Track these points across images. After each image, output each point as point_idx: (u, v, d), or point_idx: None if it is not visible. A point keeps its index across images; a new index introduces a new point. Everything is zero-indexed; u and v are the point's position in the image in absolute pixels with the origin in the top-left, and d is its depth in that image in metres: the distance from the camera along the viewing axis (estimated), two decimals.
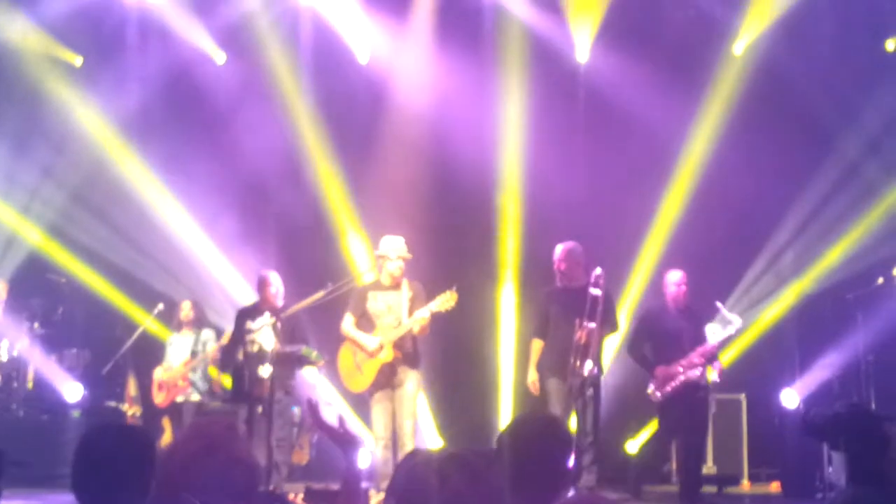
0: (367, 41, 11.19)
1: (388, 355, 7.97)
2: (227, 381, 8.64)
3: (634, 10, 10.73)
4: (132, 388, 10.34)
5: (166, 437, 9.42)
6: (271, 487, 7.77)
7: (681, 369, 8.21)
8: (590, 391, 7.90)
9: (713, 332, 8.46)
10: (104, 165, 11.06)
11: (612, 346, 9.52)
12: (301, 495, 7.87)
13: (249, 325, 8.30)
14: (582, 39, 10.91)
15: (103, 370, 10.28)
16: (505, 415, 10.23)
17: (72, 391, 10.25)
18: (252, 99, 11.09)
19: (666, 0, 10.77)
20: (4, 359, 10.29)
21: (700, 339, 8.30)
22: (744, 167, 10.32)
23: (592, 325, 7.83)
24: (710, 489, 9.28)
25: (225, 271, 10.90)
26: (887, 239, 9.78)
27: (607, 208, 10.32)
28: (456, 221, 10.66)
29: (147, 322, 10.30)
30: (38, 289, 10.76)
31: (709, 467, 9.64)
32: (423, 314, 7.89)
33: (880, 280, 9.07)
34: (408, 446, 7.90)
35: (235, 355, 8.40)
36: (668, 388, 8.22)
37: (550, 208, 10.30)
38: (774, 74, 10.35)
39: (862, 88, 10.13)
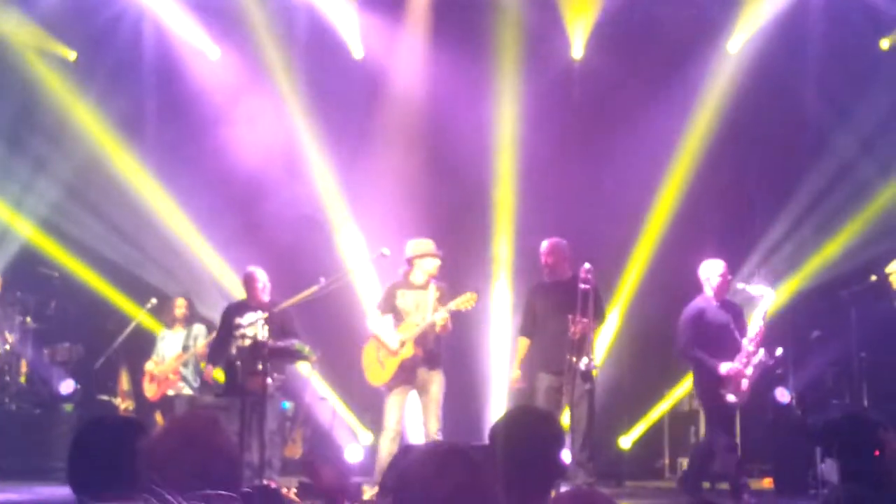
0: (362, 36, 11.18)
1: (408, 351, 8.04)
2: (219, 375, 8.63)
3: (629, 6, 10.74)
4: (124, 382, 10.34)
5: None
6: (264, 481, 7.77)
7: (744, 360, 7.88)
8: (586, 386, 7.90)
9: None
10: (98, 160, 11.04)
11: (604, 341, 9.57)
12: (294, 489, 7.86)
13: (238, 320, 8.31)
14: (577, 36, 10.92)
15: (96, 364, 10.27)
16: (497, 410, 10.24)
17: (64, 385, 10.24)
18: (246, 94, 11.08)
19: None
20: None
21: (744, 326, 8.05)
22: (737, 165, 10.37)
23: (585, 320, 7.86)
24: (706, 485, 9.31)
25: (218, 266, 10.90)
26: (881, 236, 9.82)
27: (602, 204, 10.35)
28: (450, 217, 10.66)
29: (140, 317, 10.28)
30: (30, 283, 10.74)
31: None
32: (442, 314, 7.95)
33: (873, 277, 9.09)
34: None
35: (223, 351, 8.41)
36: (746, 388, 7.89)
37: (545, 204, 10.32)
38: (768, 72, 10.38)
39: (856, 87, 10.16)
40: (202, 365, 9.89)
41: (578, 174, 10.56)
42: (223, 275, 10.86)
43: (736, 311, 8.14)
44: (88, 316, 10.98)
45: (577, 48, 10.94)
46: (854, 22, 10.33)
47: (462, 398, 10.29)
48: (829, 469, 7.43)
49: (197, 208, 10.86)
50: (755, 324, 7.93)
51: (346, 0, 11.03)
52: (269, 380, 7.96)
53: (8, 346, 10.28)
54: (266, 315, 7.86)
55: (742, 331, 8.00)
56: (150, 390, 9.66)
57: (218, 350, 8.59)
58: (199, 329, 9.79)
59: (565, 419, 7.92)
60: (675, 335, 8.12)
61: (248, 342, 8.10)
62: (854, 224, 10.04)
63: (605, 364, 9.44)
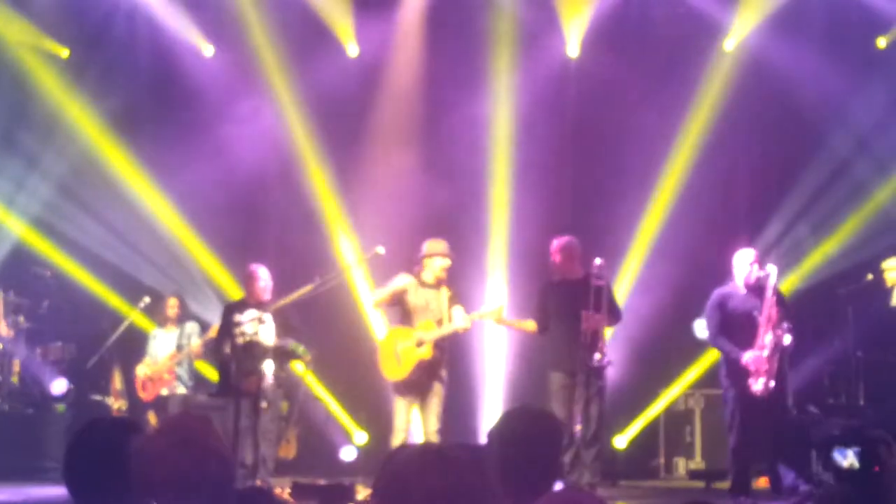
0: (357, 34, 11.15)
1: (427, 352, 8.02)
2: (212, 373, 8.64)
3: (625, 5, 10.73)
4: (118, 381, 10.29)
5: None
6: (258, 482, 7.74)
7: (763, 346, 7.74)
8: (599, 383, 7.89)
9: None
10: (91, 158, 11.00)
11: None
12: (288, 490, 7.84)
13: (238, 318, 8.26)
14: (573, 34, 10.90)
15: (88, 364, 10.24)
16: (494, 409, 10.21)
17: (57, 385, 10.20)
18: (240, 91, 11.05)
19: None
20: None
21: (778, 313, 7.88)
22: (734, 163, 10.36)
23: (598, 316, 7.86)
24: (697, 484, 9.31)
25: (212, 265, 10.86)
26: (877, 235, 9.82)
27: (596, 202, 10.35)
28: (445, 215, 10.63)
29: (133, 316, 10.25)
30: (23, 282, 10.70)
31: (696, 463, 9.68)
32: (466, 322, 8.03)
33: (870, 276, 9.10)
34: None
35: (222, 349, 8.37)
36: (767, 375, 7.70)
37: (541, 202, 10.31)
38: (765, 71, 10.38)
39: (852, 86, 10.16)
40: (196, 364, 9.87)
41: (574, 172, 10.56)
42: (216, 274, 10.83)
43: (786, 308, 7.94)
44: (81, 315, 10.94)
45: (573, 46, 10.92)
46: (851, 21, 10.33)
47: (458, 398, 10.28)
48: (823, 469, 7.44)
49: (190, 207, 10.82)
50: (765, 306, 7.80)
51: None
52: (269, 379, 7.95)
53: (0, 346, 10.24)
54: (262, 314, 7.83)
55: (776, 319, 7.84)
56: (143, 392, 9.63)
57: (217, 349, 8.58)
58: (192, 327, 9.75)
59: (578, 419, 7.91)
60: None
61: (243, 340, 8.06)
62: (850, 223, 10.04)
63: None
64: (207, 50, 11.33)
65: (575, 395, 7.94)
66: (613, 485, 9.15)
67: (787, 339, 7.72)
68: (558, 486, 3.34)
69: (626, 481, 9.42)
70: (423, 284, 8.21)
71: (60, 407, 10.03)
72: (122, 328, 10.19)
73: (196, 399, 9.62)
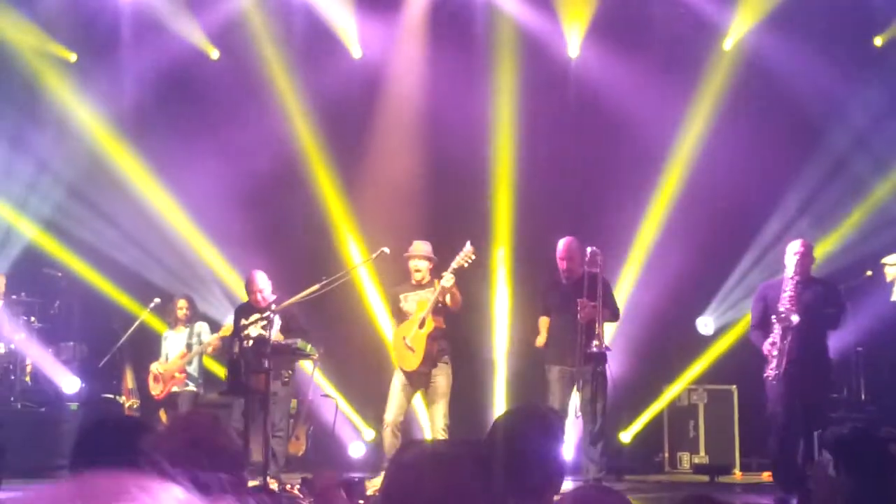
0: (360, 36, 11.22)
1: (430, 326, 8.29)
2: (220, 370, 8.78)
3: (624, 5, 10.78)
4: (129, 380, 10.40)
5: None
6: (269, 478, 7.83)
7: (777, 331, 7.69)
8: (599, 368, 7.96)
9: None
10: (100, 160, 11.11)
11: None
12: (297, 486, 7.93)
13: (243, 321, 8.48)
14: (573, 34, 10.96)
15: (100, 363, 10.35)
16: (500, 404, 10.30)
17: (69, 384, 10.31)
18: (246, 94, 11.13)
19: None
20: (2, 352, 10.35)
21: (829, 304, 7.86)
22: (733, 161, 10.40)
23: (593, 304, 7.96)
24: (702, 478, 9.39)
25: (221, 266, 10.96)
26: (875, 232, 9.88)
27: (598, 201, 10.40)
28: (448, 215, 10.72)
29: (143, 315, 10.35)
30: (34, 283, 10.81)
31: (700, 457, 9.75)
32: (448, 277, 8.20)
33: (869, 273, 9.17)
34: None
35: (232, 349, 8.52)
36: (782, 360, 7.64)
37: (543, 202, 10.37)
38: (764, 70, 10.43)
39: (850, 84, 10.21)
40: (206, 362, 9.99)
41: (575, 171, 10.61)
42: (226, 274, 10.92)
43: (818, 290, 7.93)
44: (92, 315, 11.05)
45: (573, 46, 10.97)
46: (849, 19, 10.36)
47: (465, 394, 10.36)
48: (826, 462, 7.48)
49: (198, 208, 10.91)
50: (783, 291, 7.78)
51: (343, 0, 11.07)
52: (283, 379, 8.07)
53: (13, 346, 10.35)
54: (261, 315, 7.92)
55: (826, 308, 7.80)
56: (155, 390, 9.74)
57: (230, 347, 8.77)
58: (201, 326, 9.87)
59: (577, 412, 8.01)
60: None
61: (250, 343, 8.21)
62: (849, 219, 10.09)
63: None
64: (213, 53, 11.42)
65: (573, 387, 8.06)
66: (619, 479, 9.22)
67: (794, 319, 7.65)
68: (567, 482, 3.37)
69: (631, 476, 9.48)
70: (410, 287, 8.52)
71: (73, 406, 10.13)
72: (133, 328, 10.29)
73: (206, 397, 9.73)
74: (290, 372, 8.58)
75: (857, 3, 10.37)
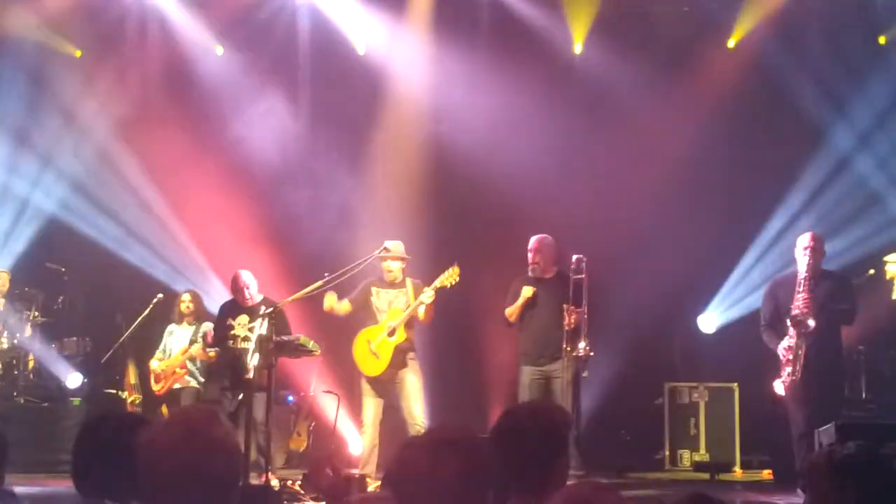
0: (365, 32, 11.23)
1: (401, 337, 8.33)
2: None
3: (629, 2, 10.78)
4: (132, 376, 10.42)
5: None
6: (270, 474, 7.84)
7: (792, 333, 7.48)
8: (584, 374, 8.04)
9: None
10: (105, 156, 11.14)
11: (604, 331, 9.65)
12: (297, 482, 7.96)
13: (230, 321, 8.63)
14: (577, 32, 10.95)
15: (103, 358, 10.38)
16: (496, 404, 10.30)
17: (72, 379, 10.35)
18: (251, 90, 11.16)
19: None
20: (5, 347, 10.39)
21: (840, 300, 7.63)
22: (735, 159, 10.41)
23: (580, 310, 8.00)
24: (702, 476, 9.40)
25: (224, 263, 10.97)
26: (877, 231, 9.88)
27: (602, 198, 10.42)
28: (452, 212, 10.76)
29: (147, 311, 10.37)
30: (38, 278, 10.86)
31: (701, 455, 9.76)
32: (429, 293, 8.25)
33: (871, 271, 9.17)
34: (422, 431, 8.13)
35: (224, 346, 8.62)
36: (797, 365, 7.47)
37: (546, 200, 10.37)
38: (767, 67, 10.43)
39: (854, 82, 10.21)
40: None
41: (579, 168, 10.62)
42: (229, 271, 10.93)
43: (830, 285, 7.75)
44: (95, 311, 11.09)
45: (577, 44, 10.98)
46: (853, 18, 10.36)
47: (462, 393, 10.39)
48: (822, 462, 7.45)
49: (202, 204, 10.93)
50: (796, 290, 7.56)
51: None
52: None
53: (16, 341, 10.39)
54: (263, 314, 7.94)
55: (840, 304, 7.64)
56: (156, 386, 9.74)
57: (218, 345, 8.82)
58: (207, 326, 9.86)
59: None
60: None
61: (241, 344, 8.29)
62: (851, 218, 10.09)
63: (605, 355, 9.55)
64: (218, 49, 11.43)
65: (546, 388, 8.12)
66: (619, 476, 9.25)
67: (811, 323, 7.41)
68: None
69: (631, 473, 9.51)
70: (384, 285, 8.55)
71: (75, 401, 10.17)
72: (136, 324, 10.31)
73: (208, 393, 9.74)
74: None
75: (861, 2, 10.35)
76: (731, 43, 10.77)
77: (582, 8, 10.86)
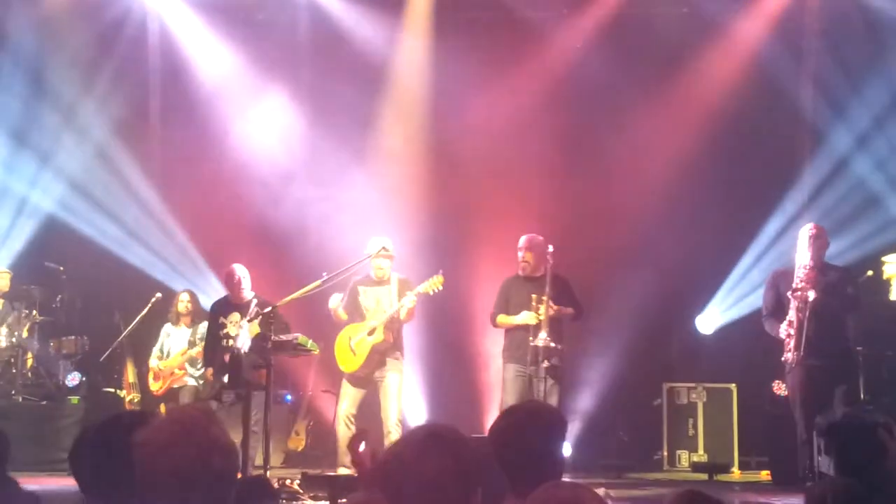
0: (366, 32, 11.22)
1: (379, 337, 8.38)
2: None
3: (628, 4, 10.79)
4: (130, 374, 10.43)
5: None
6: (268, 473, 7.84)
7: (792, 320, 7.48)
8: (557, 372, 8.03)
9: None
10: (103, 155, 11.15)
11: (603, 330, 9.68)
12: (297, 481, 7.97)
13: (223, 320, 8.65)
14: (576, 33, 10.95)
15: (101, 357, 10.39)
16: (490, 404, 10.31)
17: (70, 377, 10.35)
18: (251, 89, 11.17)
19: None
20: (4, 345, 10.40)
21: (840, 291, 7.59)
22: (734, 160, 10.44)
23: (553, 302, 8.06)
24: (700, 476, 9.41)
25: (222, 263, 10.97)
26: (876, 232, 9.89)
27: (601, 199, 10.44)
28: (451, 212, 10.77)
29: (145, 311, 10.38)
30: (37, 277, 10.86)
31: (699, 455, 9.78)
32: (411, 298, 8.32)
33: (870, 272, 9.17)
34: (393, 434, 8.29)
35: (216, 351, 8.60)
36: (800, 347, 7.44)
37: (545, 198, 10.39)
38: (766, 68, 10.44)
39: (852, 83, 10.22)
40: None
41: (577, 169, 10.64)
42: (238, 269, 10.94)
43: (835, 274, 7.77)
44: (94, 310, 11.10)
45: (576, 45, 10.97)
46: (852, 19, 10.37)
47: (460, 394, 10.40)
48: (825, 462, 7.46)
49: (202, 204, 10.94)
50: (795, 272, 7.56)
51: None
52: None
53: (14, 339, 10.39)
54: (261, 313, 7.94)
55: (840, 294, 7.62)
56: (155, 386, 9.75)
57: (211, 351, 8.80)
58: (205, 327, 9.86)
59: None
60: None
61: (230, 343, 8.29)
62: (851, 219, 10.09)
63: (603, 354, 9.58)
64: (219, 50, 11.41)
65: (529, 386, 8.15)
66: (618, 477, 9.26)
67: (811, 294, 7.42)
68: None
69: (630, 473, 9.52)
70: (370, 282, 8.59)
71: (74, 399, 10.18)
72: (134, 323, 10.32)
73: (206, 392, 9.73)
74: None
75: (861, 4, 10.35)
76: (729, 44, 10.75)
77: (580, 10, 10.85)
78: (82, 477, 2.93)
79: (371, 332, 8.41)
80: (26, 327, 10.49)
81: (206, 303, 10.16)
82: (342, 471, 8.10)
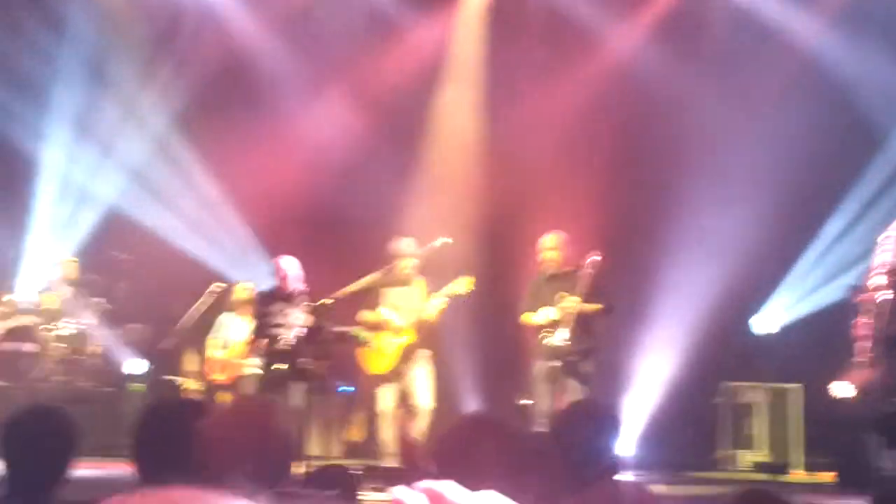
0: (419, 30, 11.23)
1: (410, 338, 8.39)
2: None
3: (683, 3, 10.67)
4: (191, 363, 10.54)
5: None
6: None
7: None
8: (585, 369, 7.99)
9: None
10: (164, 147, 11.30)
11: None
12: (360, 473, 8.02)
13: (271, 308, 8.56)
14: (630, 34, 10.84)
15: (163, 345, 10.52)
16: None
17: (134, 365, 10.51)
18: (307, 85, 11.24)
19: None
20: (70, 332, 10.59)
21: None
22: (794, 159, 10.28)
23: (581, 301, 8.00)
24: (760, 476, 9.30)
25: (281, 253, 11.06)
26: None
27: (658, 200, 10.37)
28: (497, 216, 10.75)
29: (206, 300, 10.46)
30: (101, 265, 11.05)
31: (764, 454, 9.65)
32: (442, 299, 8.35)
33: None
34: (425, 421, 8.32)
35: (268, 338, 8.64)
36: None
37: (605, 196, 10.32)
38: (827, 67, 10.28)
39: None
40: None
41: (629, 169, 10.57)
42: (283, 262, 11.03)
43: None
44: (156, 298, 11.26)
45: (630, 46, 10.86)
46: None
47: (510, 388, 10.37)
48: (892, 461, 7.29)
49: (259, 195, 11.04)
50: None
51: None
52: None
53: (81, 326, 10.57)
54: (312, 304, 7.99)
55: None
56: (219, 376, 9.82)
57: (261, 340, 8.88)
58: None
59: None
60: None
61: (280, 334, 8.30)
62: None
63: (663, 352, 9.53)
64: (274, 47, 11.48)
65: (557, 382, 8.10)
66: (676, 475, 9.19)
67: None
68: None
69: (689, 472, 9.44)
70: (395, 283, 8.56)
71: (137, 386, 10.33)
72: (195, 311, 10.42)
73: (267, 380, 9.79)
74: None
75: None
76: (785, 43, 10.57)
77: (634, 10, 10.75)
78: (141, 457, 2.96)
79: (399, 333, 8.40)
80: (93, 315, 10.66)
81: None
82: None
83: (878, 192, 10.08)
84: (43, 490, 3.22)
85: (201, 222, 11.20)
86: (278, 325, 8.43)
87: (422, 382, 8.44)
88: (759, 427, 9.73)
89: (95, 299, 10.76)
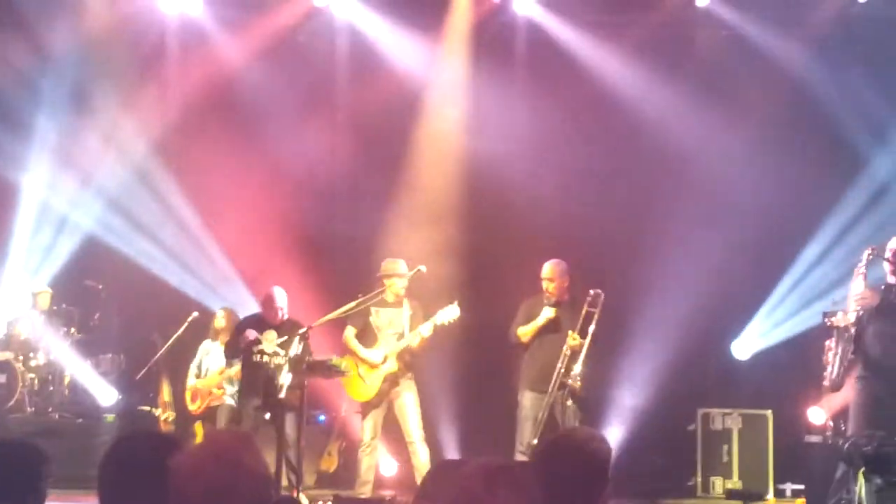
0: (403, 55, 11.28)
1: (392, 367, 8.36)
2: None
3: (669, 28, 10.77)
4: (166, 393, 10.47)
5: None
6: (300, 493, 7.86)
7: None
8: (575, 402, 7.97)
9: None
10: (143, 175, 11.26)
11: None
12: (329, 502, 7.97)
13: (257, 336, 8.52)
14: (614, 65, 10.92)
15: (137, 376, 10.45)
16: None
17: (106, 396, 10.43)
18: (289, 109, 11.24)
19: (699, 20, 10.83)
20: (42, 363, 10.50)
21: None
22: (772, 185, 10.36)
23: (583, 340, 7.99)
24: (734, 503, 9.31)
25: (259, 281, 11.03)
26: None
27: (638, 223, 10.40)
28: (485, 235, 10.76)
29: (182, 329, 10.42)
30: (75, 295, 10.98)
31: (734, 482, 9.66)
32: (428, 328, 8.28)
33: None
34: (420, 452, 8.30)
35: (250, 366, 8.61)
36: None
37: (579, 222, 10.35)
38: (807, 92, 10.39)
39: (894, 108, 10.14)
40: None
41: (612, 194, 10.61)
42: (264, 289, 10.99)
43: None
44: (131, 328, 11.19)
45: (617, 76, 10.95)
46: (894, 42, 10.30)
47: (493, 416, 10.36)
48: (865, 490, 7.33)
49: (238, 223, 11.01)
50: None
51: (386, 19, 11.15)
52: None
53: (52, 357, 10.50)
54: (299, 334, 7.96)
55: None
56: (193, 405, 9.75)
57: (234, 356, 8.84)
58: None
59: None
60: None
61: (273, 361, 8.27)
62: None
63: (638, 378, 9.52)
64: (257, 70, 11.50)
65: (547, 413, 8.05)
66: (651, 502, 9.19)
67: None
68: None
69: (663, 500, 9.44)
70: (383, 304, 8.49)
71: (109, 417, 10.25)
72: (171, 341, 10.36)
73: (243, 411, 9.74)
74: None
75: None
76: (768, 67, 10.69)
77: (618, 32, 10.84)
78: (106, 492, 2.92)
79: (383, 361, 8.38)
80: (64, 345, 10.59)
81: None
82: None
83: (855, 217, 10.16)
84: None
85: (180, 251, 11.14)
86: (265, 354, 8.39)
87: (412, 412, 8.39)
88: (734, 454, 9.74)
89: (68, 329, 10.69)
